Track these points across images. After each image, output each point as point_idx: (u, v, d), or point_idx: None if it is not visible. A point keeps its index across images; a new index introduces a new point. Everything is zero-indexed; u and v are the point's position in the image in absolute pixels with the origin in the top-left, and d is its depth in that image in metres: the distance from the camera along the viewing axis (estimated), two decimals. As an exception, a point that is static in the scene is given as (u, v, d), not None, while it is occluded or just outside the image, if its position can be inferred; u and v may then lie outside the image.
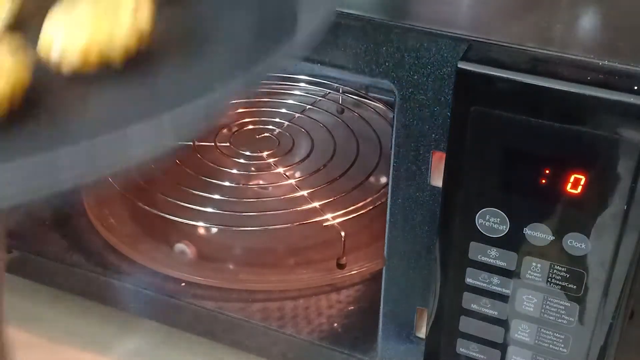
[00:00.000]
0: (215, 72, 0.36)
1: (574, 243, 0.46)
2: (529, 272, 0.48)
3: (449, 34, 0.45)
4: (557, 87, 0.42)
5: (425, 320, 0.55)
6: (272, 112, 0.85)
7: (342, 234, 0.65)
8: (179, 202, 0.69)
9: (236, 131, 0.81)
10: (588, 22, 0.49)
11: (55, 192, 0.25)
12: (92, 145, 0.26)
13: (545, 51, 0.44)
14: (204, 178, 0.73)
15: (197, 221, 0.70)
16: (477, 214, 0.47)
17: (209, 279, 0.67)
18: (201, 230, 0.72)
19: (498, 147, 0.45)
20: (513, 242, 0.47)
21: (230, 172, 0.75)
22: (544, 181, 0.45)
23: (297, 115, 0.84)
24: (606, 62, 0.42)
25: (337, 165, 0.75)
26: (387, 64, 0.47)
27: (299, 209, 0.69)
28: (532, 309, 0.49)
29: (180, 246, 0.70)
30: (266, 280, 0.67)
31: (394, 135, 0.49)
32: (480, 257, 0.49)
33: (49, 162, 0.26)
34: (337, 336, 0.63)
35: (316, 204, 0.69)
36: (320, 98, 0.87)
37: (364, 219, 0.69)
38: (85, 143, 0.26)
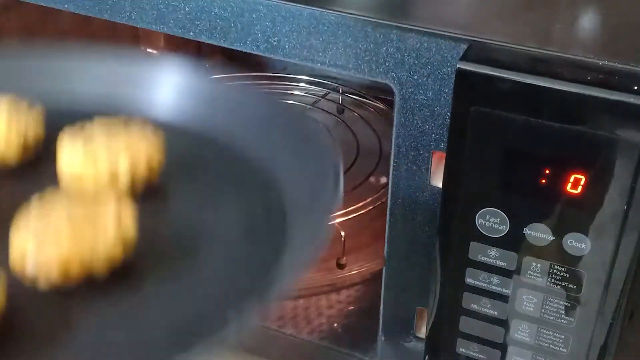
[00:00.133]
0: (206, 284, 0.35)
1: (574, 243, 0.45)
2: (529, 272, 0.48)
3: (449, 34, 0.45)
4: (557, 87, 0.42)
5: (425, 320, 0.55)
6: (272, 112, 0.85)
7: (342, 234, 0.65)
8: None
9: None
10: (588, 22, 0.49)
11: None
12: None
13: (545, 51, 0.44)
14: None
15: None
16: (477, 214, 0.47)
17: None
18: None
19: (498, 147, 0.45)
20: (513, 242, 0.47)
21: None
22: (544, 181, 0.45)
23: (297, 115, 0.84)
24: (606, 62, 0.42)
25: (337, 165, 0.75)
26: (387, 64, 0.47)
27: (298, 209, 0.69)
28: (532, 309, 0.49)
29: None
30: (266, 280, 0.67)
31: (394, 135, 0.49)
32: (480, 257, 0.49)
33: None
34: (337, 336, 0.63)
35: (316, 204, 0.69)
36: (320, 98, 0.87)
37: (364, 219, 0.69)
38: None
